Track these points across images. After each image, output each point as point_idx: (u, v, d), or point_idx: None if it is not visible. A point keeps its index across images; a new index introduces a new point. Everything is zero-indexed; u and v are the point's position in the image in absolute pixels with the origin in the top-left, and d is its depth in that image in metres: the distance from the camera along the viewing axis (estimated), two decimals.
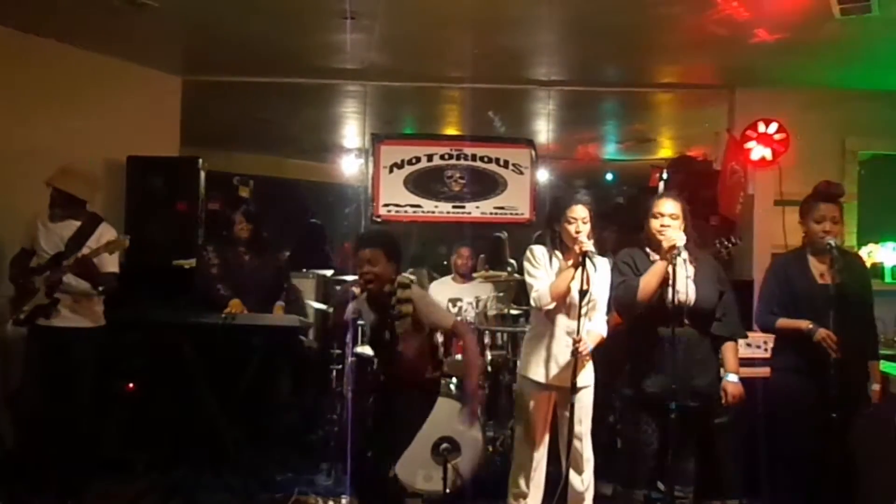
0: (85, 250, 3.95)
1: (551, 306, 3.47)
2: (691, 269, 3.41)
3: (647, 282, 3.29)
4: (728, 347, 3.48)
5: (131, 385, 4.62)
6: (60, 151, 4.51)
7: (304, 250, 7.16)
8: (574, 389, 3.33)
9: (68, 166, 4.10)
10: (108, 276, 4.07)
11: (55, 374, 3.97)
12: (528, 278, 3.55)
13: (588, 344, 3.38)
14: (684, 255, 3.39)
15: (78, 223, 4.05)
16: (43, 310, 3.92)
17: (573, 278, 3.33)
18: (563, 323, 3.48)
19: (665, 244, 3.28)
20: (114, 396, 4.56)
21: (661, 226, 3.39)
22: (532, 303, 3.53)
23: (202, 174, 5.26)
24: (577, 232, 3.41)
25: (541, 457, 3.58)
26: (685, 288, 3.33)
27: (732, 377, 3.42)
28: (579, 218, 3.43)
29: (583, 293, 3.27)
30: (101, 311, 4.14)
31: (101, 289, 4.04)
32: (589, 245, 3.32)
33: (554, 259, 3.55)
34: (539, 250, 3.57)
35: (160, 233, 5.10)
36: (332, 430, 4.91)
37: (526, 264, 3.59)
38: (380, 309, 3.40)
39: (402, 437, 3.50)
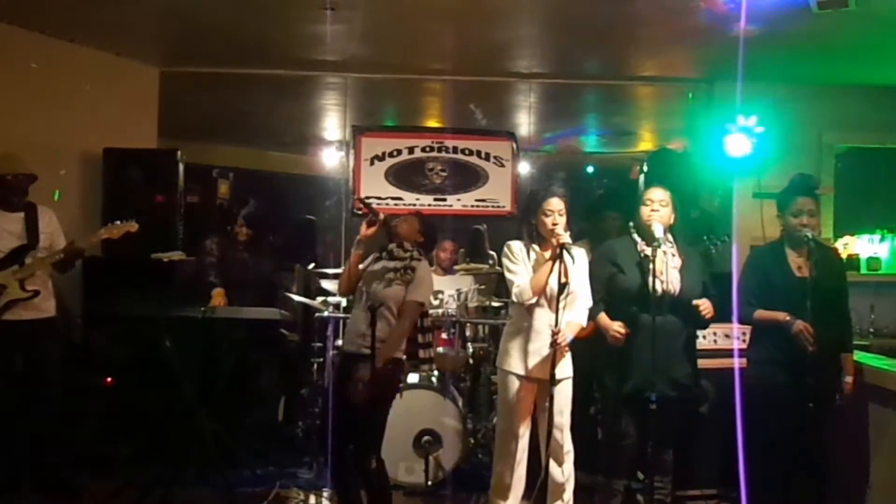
0: (42, 237, 3.92)
1: (533, 300, 3.48)
2: (678, 261, 3.46)
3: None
4: None
5: (109, 379, 4.58)
6: (35, 143, 4.44)
7: (296, 245, 7.15)
8: (553, 381, 3.35)
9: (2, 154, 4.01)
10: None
11: (25, 368, 3.92)
12: (507, 274, 3.57)
13: (567, 335, 3.39)
14: (665, 246, 3.43)
15: (21, 214, 3.97)
16: (19, 304, 3.86)
17: (552, 271, 3.34)
18: (542, 316, 3.49)
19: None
20: (92, 391, 4.52)
21: (651, 211, 3.48)
22: (514, 298, 3.54)
23: (181, 166, 5.21)
24: (554, 224, 3.43)
25: (523, 448, 3.59)
26: (668, 277, 3.39)
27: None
28: (555, 210, 3.45)
29: (561, 286, 3.29)
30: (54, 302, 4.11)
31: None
32: (566, 237, 3.34)
33: (532, 253, 3.57)
34: (516, 245, 3.59)
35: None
36: (314, 424, 4.90)
37: (504, 261, 3.61)
38: (389, 260, 3.58)
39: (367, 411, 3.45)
